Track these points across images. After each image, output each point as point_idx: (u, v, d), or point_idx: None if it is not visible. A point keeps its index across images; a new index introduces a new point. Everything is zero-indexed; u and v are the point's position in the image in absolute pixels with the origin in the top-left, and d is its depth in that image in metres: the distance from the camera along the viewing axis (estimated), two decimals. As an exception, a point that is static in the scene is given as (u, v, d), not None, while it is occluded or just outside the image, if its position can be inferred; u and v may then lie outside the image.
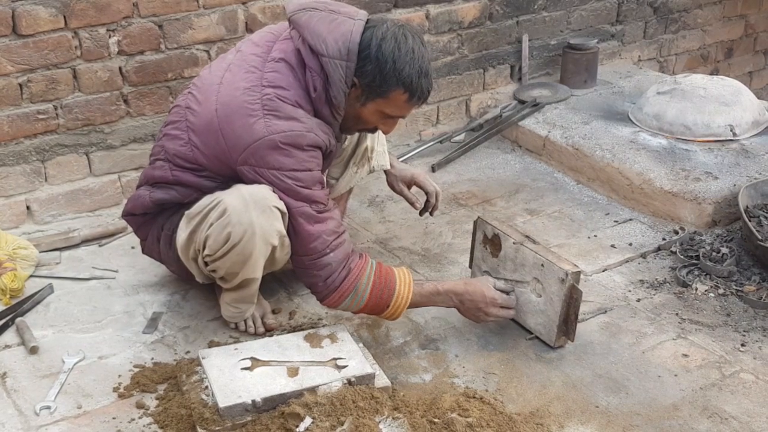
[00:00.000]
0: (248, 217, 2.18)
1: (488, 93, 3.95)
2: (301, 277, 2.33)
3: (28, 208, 2.98)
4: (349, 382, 2.08)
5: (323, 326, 2.43)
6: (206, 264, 2.33)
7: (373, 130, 2.42)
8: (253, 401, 2.00)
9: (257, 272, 2.32)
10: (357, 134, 2.64)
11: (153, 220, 2.46)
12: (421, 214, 2.79)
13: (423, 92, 2.24)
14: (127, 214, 2.52)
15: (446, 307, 2.40)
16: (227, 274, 2.32)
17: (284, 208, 2.23)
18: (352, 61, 2.17)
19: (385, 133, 2.42)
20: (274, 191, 2.20)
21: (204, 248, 2.27)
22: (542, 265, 2.35)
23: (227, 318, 2.46)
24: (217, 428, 1.97)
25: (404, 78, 2.18)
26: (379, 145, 2.72)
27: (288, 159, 2.18)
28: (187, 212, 2.30)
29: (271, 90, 2.20)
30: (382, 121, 2.33)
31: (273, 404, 2.02)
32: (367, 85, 2.21)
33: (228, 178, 2.28)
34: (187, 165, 2.33)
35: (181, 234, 2.32)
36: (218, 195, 2.24)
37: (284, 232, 2.26)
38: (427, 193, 2.75)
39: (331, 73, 2.18)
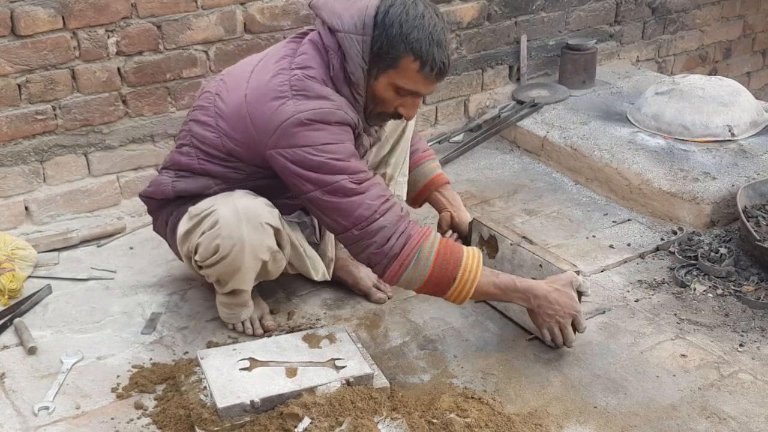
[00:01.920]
0: (239, 232, 2.19)
1: (487, 93, 3.95)
2: (357, 253, 2.21)
3: (26, 208, 2.98)
4: (348, 383, 2.08)
5: (321, 327, 2.43)
6: (199, 267, 2.33)
7: (397, 116, 2.27)
8: (252, 402, 2.00)
9: (247, 284, 2.34)
10: (377, 158, 2.55)
11: (166, 206, 2.46)
12: None
13: (435, 61, 2.10)
14: (145, 196, 2.51)
15: (519, 305, 2.30)
16: (219, 281, 2.34)
17: (278, 225, 2.25)
18: (368, 34, 2.10)
19: (406, 117, 2.27)
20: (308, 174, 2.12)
21: (195, 253, 2.28)
22: (540, 265, 2.35)
23: (223, 319, 2.47)
24: (216, 429, 1.97)
25: (412, 43, 2.08)
26: (400, 175, 2.63)
27: (318, 133, 2.11)
28: (190, 208, 2.29)
29: (300, 71, 2.16)
30: (399, 99, 2.20)
31: (271, 405, 2.02)
32: (377, 54, 2.12)
33: (256, 170, 2.25)
34: (214, 152, 2.28)
35: (181, 228, 2.32)
36: (215, 203, 2.23)
37: (276, 248, 2.27)
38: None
39: (347, 48, 2.13)
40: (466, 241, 2.61)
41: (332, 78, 2.17)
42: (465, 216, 2.64)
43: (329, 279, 2.59)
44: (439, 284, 2.17)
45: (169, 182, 2.39)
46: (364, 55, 2.13)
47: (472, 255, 2.19)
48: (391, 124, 2.49)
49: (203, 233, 2.23)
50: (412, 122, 2.54)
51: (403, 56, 2.10)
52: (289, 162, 2.13)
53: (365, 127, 2.31)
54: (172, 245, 2.50)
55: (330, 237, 2.56)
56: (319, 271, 2.52)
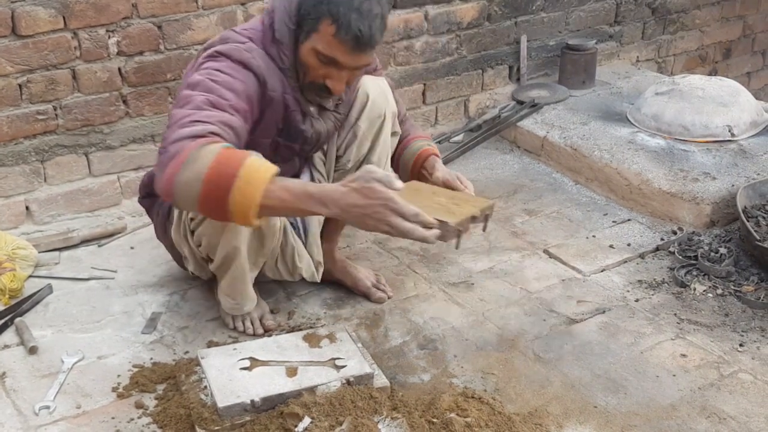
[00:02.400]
0: None
1: (487, 93, 3.96)
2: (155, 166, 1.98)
3: (27, 208, 2.98)
4: (348, 382, 2.08)
5: (322, 326, 2.43)
6: (192, 234, 2.29)
7: (324, 90, 2.18)
8: (252, 401, 2.00)
9: (238, 239, 2.22)
10: (358, 157, 2.46)
11: (156, 201, 2.47)
12: None
13: (351, 27, 2.02)
14: (140, 197, 2.55)
15: (321, 213, 1.90)
16: (207, 245, 2.28)
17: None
18: None
19: (333, 90, 2.17)
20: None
21: (188, 213, 2.25)
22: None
23: (226, 310, 2.45)
24: (216, 428, 1.98)
25: (331, 5, 2.03)
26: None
27: (216, 63, 2.09)
28: None
29: (236, 28, 2.23)
30: (323, 69, 2.12)
31: (272, 404, 2.02)
32: (303, 16, 2.09)
33: None
34: None
35: (175, 210, 2.32)
36: None
37: None
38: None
39: (276, 5, 2.15)
40: None
41: (263, 36, 2.17)
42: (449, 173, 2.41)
43: (318, 281, 2.57)
44: (219, 185, 1.81)
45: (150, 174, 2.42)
46: (291, 13, 2.12)
47: (259, 160, 1.86)
48: (365, 122, 2.42)
49: None
50: (388, 120, 2.45)
51: (322, 18, 2.06)
52: (186, 82, 2.09)
53: (303, 105, 2.25)
54: (168, 242, 2.49)
55: (316, 239, 2.54)
56: (305, 266, 2.49)
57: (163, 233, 2.51)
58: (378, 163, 2.48)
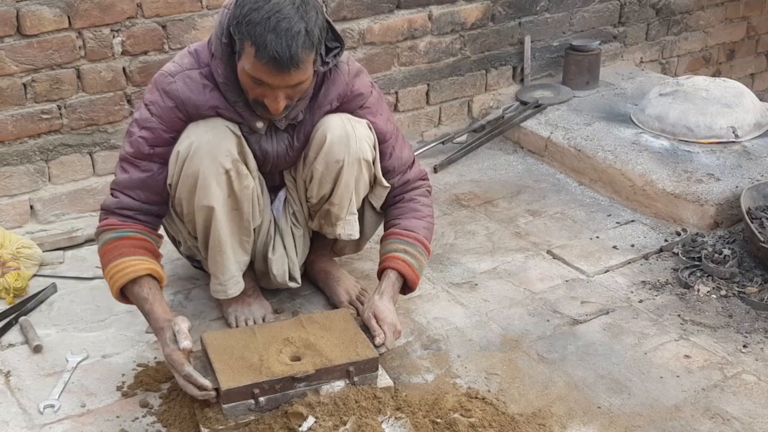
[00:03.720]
0: (195, 132, 2.19)
1: (490, 94, 3.96)
2: None
3: (31, 207, 2.99)
4: (352, 382, 2.08)
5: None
6: (174, 205, 2.29)
7: (262, 106, 2.13)
8: (256, 400, 2.00)
9: (210, 198, 2.19)
10: (319, 195, 2.36)
11: None
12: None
13: (267, 49, 1.96)
14: None
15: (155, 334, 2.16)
16: (188, 212, 2.26)
17: (238, 132, 2.23)
18: (230, 9, 2.07)
19: (270, 110, 2.12)
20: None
21: (168, 181, 2.25)
22: None
23: (213, 293, 2.41)
24: (221, 427, 1.98)
25: (249, 26, 1.98)
26: (348, 214, 2.39)
27: (148, 95, 2.24)
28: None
29: (196, 42, 2.31)
30: (257, 87, 2.08)
31: (276, 403, 2.02)
32: (234, 36, 2.06)
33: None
34: None
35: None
36: None
37: (237, 156, 2.20)
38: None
39: (216, 21, 2.18)
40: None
41: (206, 50, 2.21)
42: (378, 309, 2.27)
43: (298, 284, 2.53)
44: (101, 263, 2.25)
45: None
46: (223, 27, 2.11)
47: (125, 264, 2.18)
48: (321, 164, 2.29)
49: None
50: (348, 167, 2.29)
51: (244, 40, 2.02)
52: None
53: (249, 121, 2.22)
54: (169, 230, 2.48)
55: (291, 255, 2.51)
56: (276, 258, 2.45)
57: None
58: (339, 205, 2.35)
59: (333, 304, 2.58)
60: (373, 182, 2.42)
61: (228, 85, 2.17)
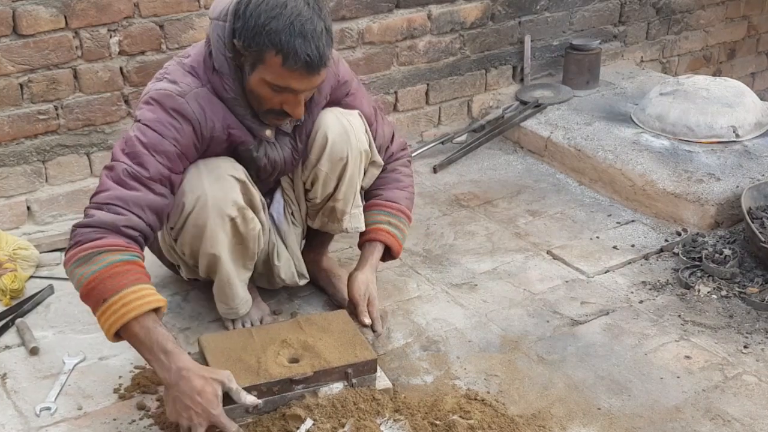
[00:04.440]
0: (200, 185, 2.13)
1: (490, 94, 3.94)
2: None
3: (28, 208, 2.98)
4: (351, 384, 2.07)
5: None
6: (175, 242, 2.28)
7: (284, 114, 2.13)
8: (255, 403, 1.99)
9: (217, 247, 2.20)
10: (324, 194, 2.37)
11: None
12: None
13: (298, 55, 1.95)
14: None
15: (157, 371, 1.95)
16: (191, 253, 2.26)
17: (242, 177, 2.19)
18: (229, 21, 2.03)
19: (293, 116, 2.12)
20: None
21: (169, 223, 2.23)
22: None
23: (222, 315, 2.44)
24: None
25: (272, 35, 1.95)
26: (354, 208, 2.43)
27: (150, 114, 2.07)
28: None
29: (179, 58, 2.19)
30: (278, 96, 2.07)
31: (274, 406, 2.01)
32: (245, 48, 2.02)
33: None
34: None
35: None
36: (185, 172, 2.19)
37: (242, 203, 2.19)
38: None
39: (210, 34, 2.11)
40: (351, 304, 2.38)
41: (205, 66, 2.13)
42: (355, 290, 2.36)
43: (299, 284, 2.53)
44: (91, 297, 1.92)
45: None
46: (226, 42, 2.06)
47: (143, 293, 1.91)
48: (326, 165, 2.31)
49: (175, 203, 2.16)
50: (352, 161, 2.33)
51: (265, 50, 1.99)
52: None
53: (257, 131, 2.20)
54: (156, 250, 2.47)
55: (295, 252, 2.51)
56: (283, 264, 2.45)
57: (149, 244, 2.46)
58: (344, 200, 2.37)
59: (337, 301, 2.58)
60: (367, 165, 2.44)
61: (238, 99, 2.14)
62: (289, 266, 2.49)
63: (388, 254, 2.48)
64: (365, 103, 2.45)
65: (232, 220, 2.19)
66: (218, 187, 2.14)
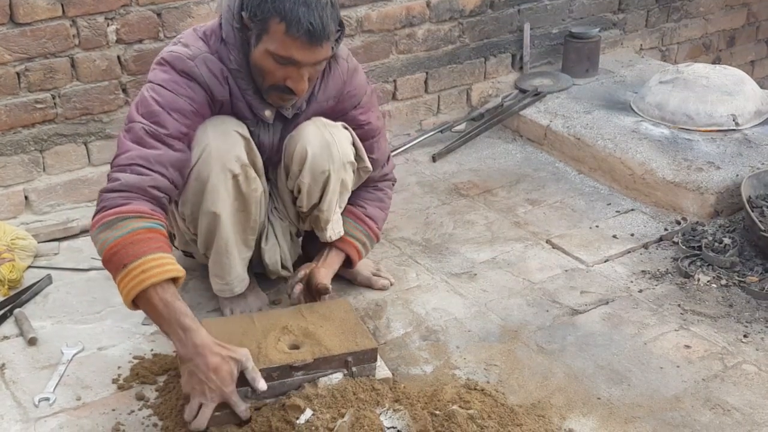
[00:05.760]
0: (205, 137, 2.16)
1: (489, 82, 3.93)
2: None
3: (26, 198, 2.97)
4: (351, 373, 2.07)
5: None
6: (176, 206, 2.27)
7: (287, 91, 2.14)
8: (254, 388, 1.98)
9: (218, 205, 2.20)
10: (309, 205, 2.37)
11: None
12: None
13: (301, 22, 1.98)
14: None
15: (173, 343, 1.97)
16: (191, 215, 2.26)
17: (246, 134, 2.21)
18: None
19: (295, 91, 2.13)
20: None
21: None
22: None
23: (216, 292, 2.42)
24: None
25: (277, 4, 1.99)
26: (335, 214, 2.43)
27: (163, 75, 2.12)
28: None
29: (196, 27, 2.23)
30: (282, 70, 2.08)
31: (273, 392, 2.00)
32: (251, 19, 2.05)
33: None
34: None
35: None
36: None
37: (246, 160, 2.20)
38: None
39: (223, 5, 2.14)
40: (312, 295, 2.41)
41: (214, 35, 2.17)
42: (321, 276, 2.40)
43: (290, 273, 2.53)
44: (112, 262, 1.92)
45: None
46: (234, 12, 2.09)
47: (163, 262, 1.91)
48: (307, 177, 2.30)
49: None
50: (335, 173, 2.32)
51: (269, 18, 2.02)
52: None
53: (257, 109, 2.21)
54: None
55: (284, 249, 2.52)
56: (269, 247, 2.45)
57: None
58: (328, 210, 2.38)
59: (359, 282, 2.65)
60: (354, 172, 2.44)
61: (241, 72, 2.17)
62: (275, 252, 2.48)
63: (344, 265, 2.54)
64: (374, 116, 2.47)
65: (235, 177, 2.20)
66: (222, 141, 2.16)
